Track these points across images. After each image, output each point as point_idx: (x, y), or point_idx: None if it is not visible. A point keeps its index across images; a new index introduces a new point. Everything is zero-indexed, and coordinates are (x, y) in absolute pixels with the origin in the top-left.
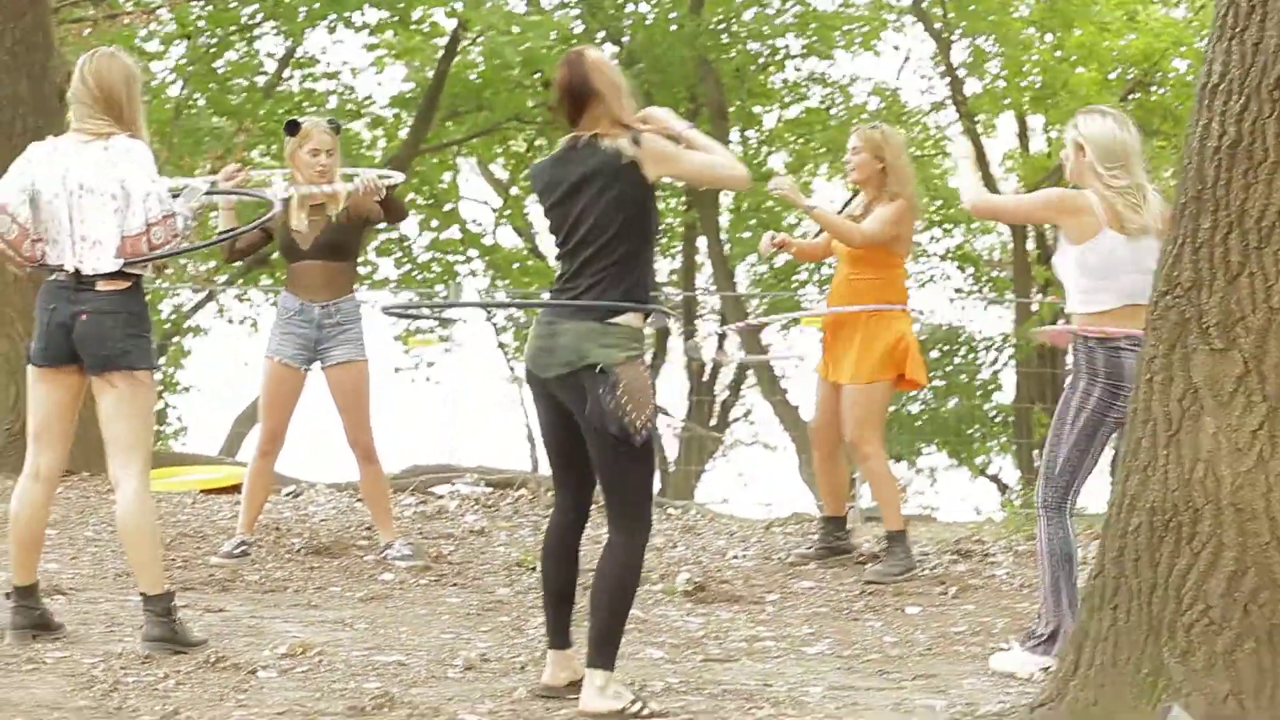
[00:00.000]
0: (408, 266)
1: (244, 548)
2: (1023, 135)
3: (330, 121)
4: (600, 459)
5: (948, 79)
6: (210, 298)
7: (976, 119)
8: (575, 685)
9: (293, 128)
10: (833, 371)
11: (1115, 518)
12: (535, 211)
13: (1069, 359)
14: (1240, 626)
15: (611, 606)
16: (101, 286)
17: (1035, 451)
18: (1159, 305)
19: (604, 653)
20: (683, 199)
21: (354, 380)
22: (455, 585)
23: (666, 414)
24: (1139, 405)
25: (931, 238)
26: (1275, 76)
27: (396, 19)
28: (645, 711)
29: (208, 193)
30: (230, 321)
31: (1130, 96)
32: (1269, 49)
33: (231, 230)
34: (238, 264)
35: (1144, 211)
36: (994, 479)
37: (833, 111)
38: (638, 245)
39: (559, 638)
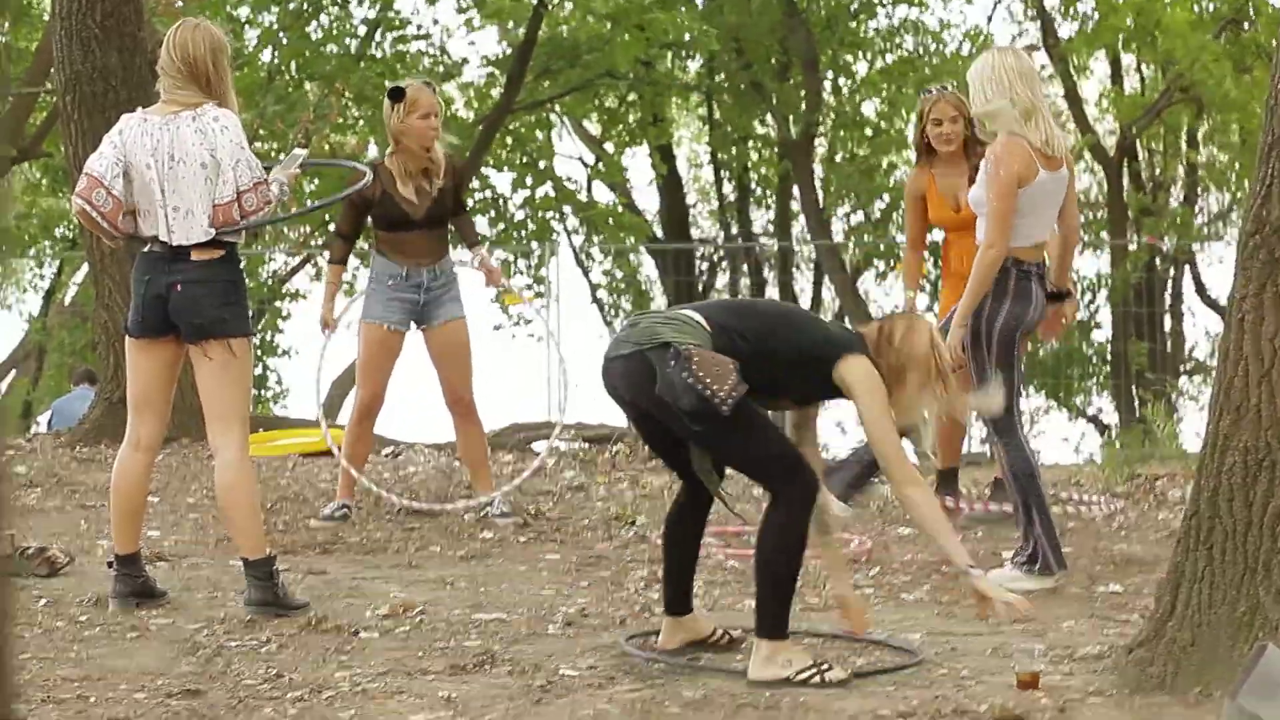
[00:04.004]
0: (502, 225)
1: (345, 510)
2: (1116, 75)
3: (426, 83)
4: (707, 445)
5: (1039, 21)
6: (307, 260)
7: (1069, 61)
8: (696, 644)
9: (397, 94)
10: None
11: (1209, 458)
12: (629, 166)
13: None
14: None
15: (769, 572)
16: (195, 256)
17: (1135, 389)
18: (1248, 245)
19: (765, 622)
20: (774, 149)
21: (458, 337)
22: (554, 542)
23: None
24: (1229, 345)
25: None
26: None
27: None
28: (815, 679)
29: (304, 163)
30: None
31: (1222, 33)
32: None
33: (324, 201)
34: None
35: (1056, 146)
36: (1093, 420)
37: (925, 58)
38: None
39: (678, 606)
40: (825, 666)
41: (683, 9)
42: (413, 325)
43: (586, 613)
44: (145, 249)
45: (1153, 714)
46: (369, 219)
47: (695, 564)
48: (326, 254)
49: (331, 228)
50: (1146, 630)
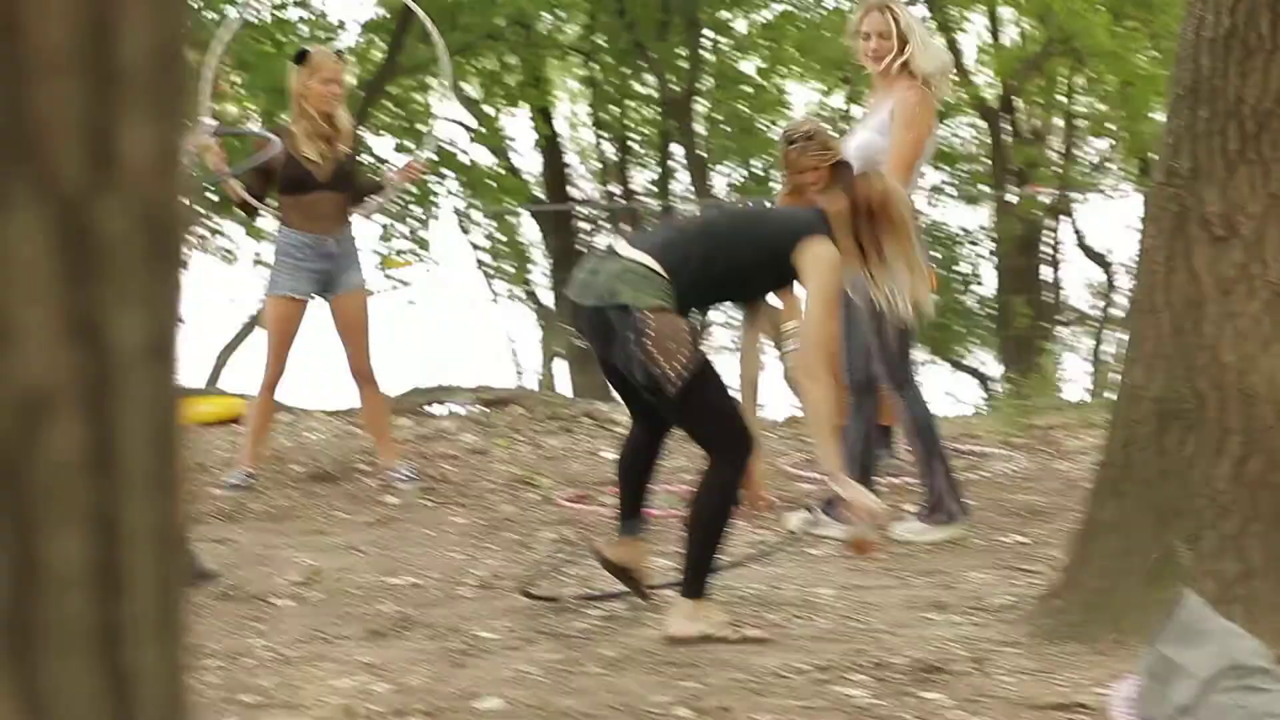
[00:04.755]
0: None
1: (249, 478)
2: (993, 28)
3: (337, 51)
4: (659, 401)
5: None
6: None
7: (947, 11)
8: (630, 573)
9: (302, 56)
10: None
11: (1121, 408)
12: (510, 128)
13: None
14: (1248, 509)
15: (702, 532)
16: None
17: (1015, 343)
18: (1159, 196)
19: (692, 579)
20: (657, 108)
21: (360, 307)
22: (459, 505)
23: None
24: (1141, 296)
25: None
26: None
27: None
28: (736, 637)
29: (217, 131)
30: (209, 254)
31: None
32: None
33: (233, 169)
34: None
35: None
36: (974, 372)
37: (805, 15)
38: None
39: (631, 522)
40: (743, 624)
41: None
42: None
43: (499, 575)
44: None
45: (1067, 662)
46: (274, 185)
47: (648, 485)
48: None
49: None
50: (1059, 580)
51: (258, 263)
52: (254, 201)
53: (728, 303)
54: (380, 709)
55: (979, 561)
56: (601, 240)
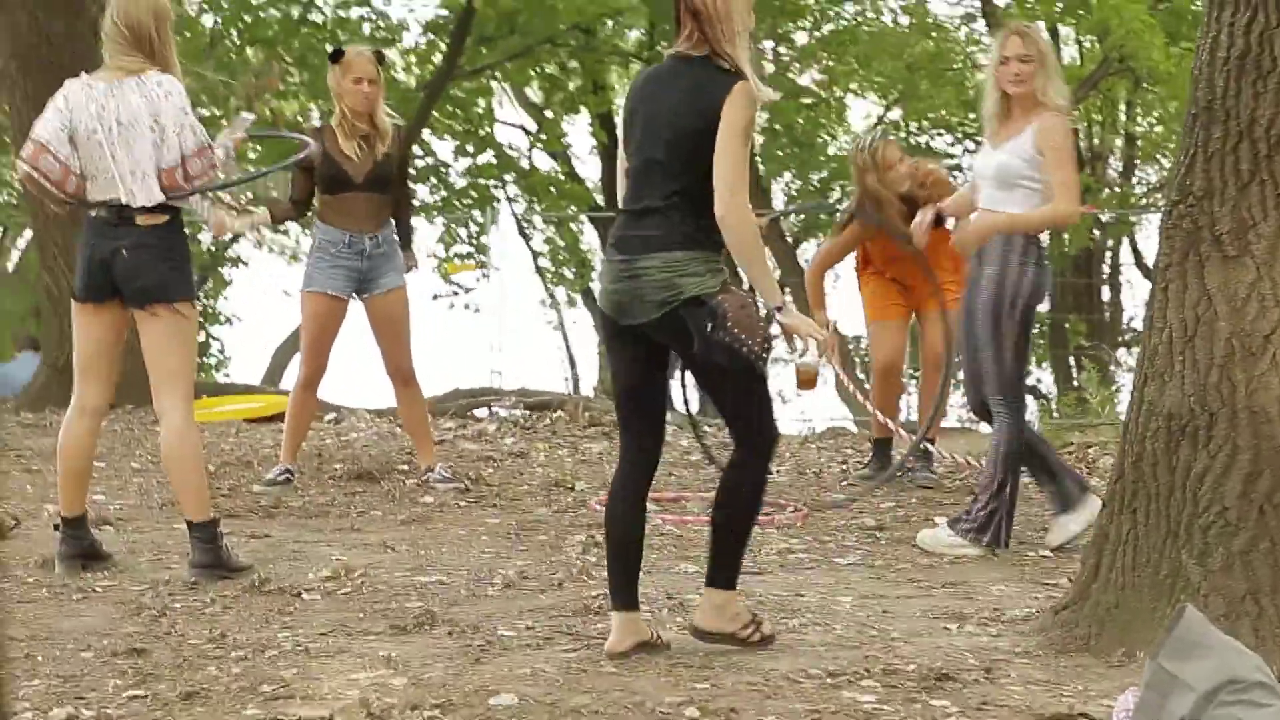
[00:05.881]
0: (444, 193)
1: (287, 475)
2: (1054, 46)
3: (375, 51)
4: (716, 391)
5: None
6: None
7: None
8: (644, 646)
9: (336, 56)
10: (927, 303)
11: (1133, 424)
12: (570, 134)
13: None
14: (1256, 527)
15: (738, 524)
16: (140, 221)
17: (1071, 360)
18: (1172, 215)
19: (726, 572)
20: None
21: (398, 306)
22: (494, 506)
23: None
24: (1154, 313)
25: (965, 150)
26: None
27: None
28: (757, 637)
29: (253, 132)
30: (270, 251)
31: (1160, 4)
32: None
33: (269, 168)
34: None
35: None
36: (1032, 390)
37: (864, 29)
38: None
39: (626, 597)
40: (761, 621)
41: None
42: (353, 294)
43: (525, 575)
44: (92, 214)
45: (1076, 674)
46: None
47: (642, 542)
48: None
49: (275, 196)
50: (1072, 593)
51: (293, 259)
52: (284, 214)
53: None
54: (394, 701)
55: (1003, 574)
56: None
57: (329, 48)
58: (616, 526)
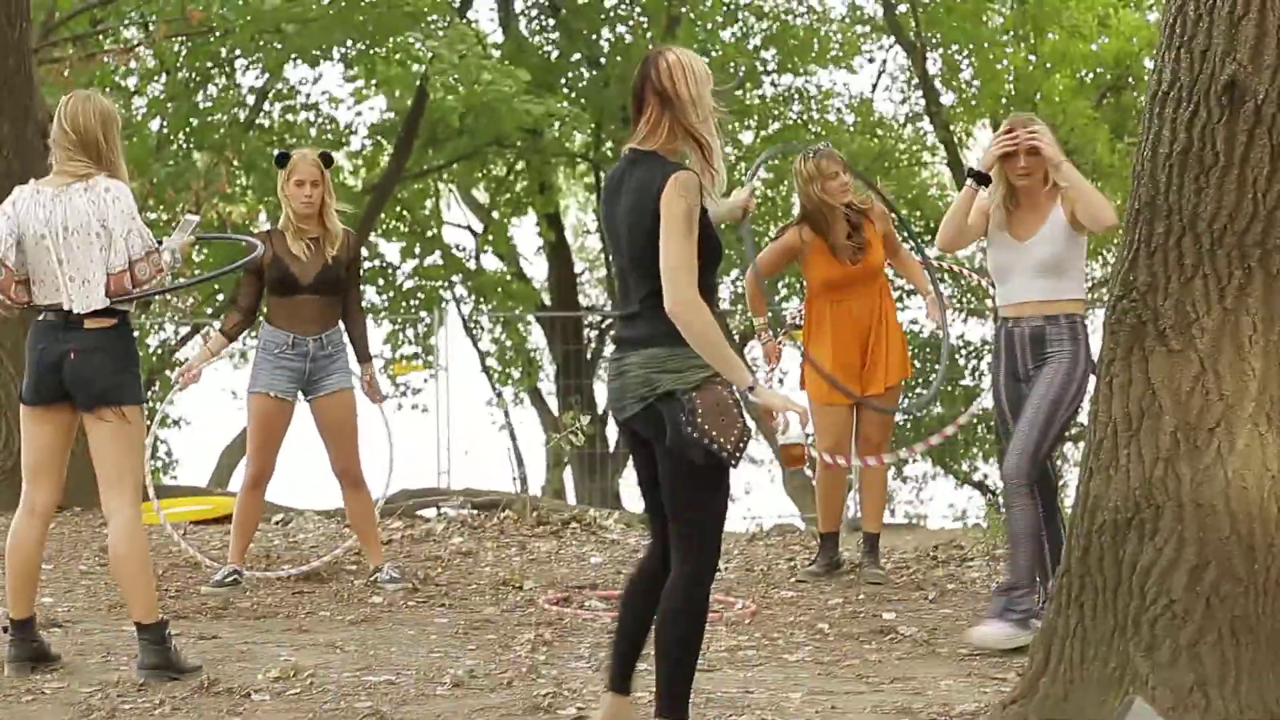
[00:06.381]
0: (391, 294)
1: (235, 576)
2: None
3: (322, 154)
4: (674, 485)
5: (922, 90)
6: (196, 331)
7: (953, 129)
8: None
9: (282, 160)
10: (867, 385)
11: (1080, 517)
12: (516, 235)
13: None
14: (1203, 619)
15: (683, 649)
16: (89, 324)
17: None
18: (1116, 309)
19: (676, 702)
20: None
21: (345, 408)
22: (443, 606)
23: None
24: (1099, 407)
25: (913, 248)
26: (1223, 83)
27: (371, 50)
28: None
29: (195, 231)
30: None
31: (1104, 100)
32: (1216, 56)
33: (217, 271)
34: (227, 304)
35: None
36: (979, 485)
37: (811, 128)
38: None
39: (622, 682)
40: None
41: (564, 90)
42: (300, 395)
43: (474, 674)
44: (40, 317)
45: None
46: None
47: (648, 634)
48: (218, 322)
49: (220, 298)
50: (1020, 687)
51: (242, 357)
52: (234, 327)
53: None
54: None
55: (951, 670)
56: (609, 347)
57: (275, 151)
58: (628, 619)
